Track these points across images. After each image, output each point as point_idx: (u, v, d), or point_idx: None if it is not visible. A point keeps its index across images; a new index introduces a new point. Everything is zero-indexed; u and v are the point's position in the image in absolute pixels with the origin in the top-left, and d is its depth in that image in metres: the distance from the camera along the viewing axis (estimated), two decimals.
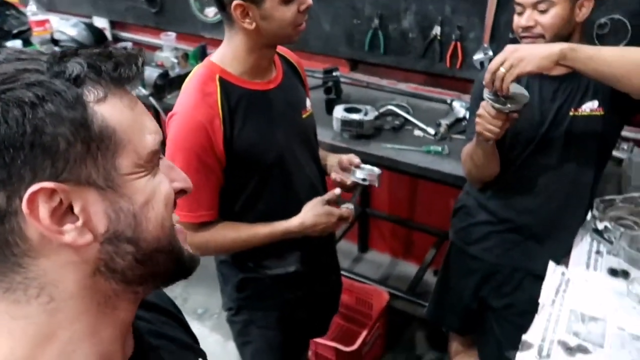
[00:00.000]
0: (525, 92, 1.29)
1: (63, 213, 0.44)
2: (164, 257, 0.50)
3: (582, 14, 1.30)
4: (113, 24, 3.23)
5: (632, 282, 1.27)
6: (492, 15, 1.99)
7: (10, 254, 0.43)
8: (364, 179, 1.34)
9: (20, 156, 0.41)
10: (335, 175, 1.35)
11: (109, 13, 3.15)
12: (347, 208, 1.32)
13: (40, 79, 0.43)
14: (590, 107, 1.36)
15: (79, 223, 0.44)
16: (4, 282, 0.45)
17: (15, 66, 0.43)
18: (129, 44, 3.01)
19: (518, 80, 1.35)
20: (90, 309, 0.48)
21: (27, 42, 3.00)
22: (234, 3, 1.08)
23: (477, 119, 1.32)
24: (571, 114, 1.38)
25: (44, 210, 0.42)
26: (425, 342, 2.37)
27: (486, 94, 1.28)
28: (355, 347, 1.94)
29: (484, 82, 1.27)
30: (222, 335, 2.41)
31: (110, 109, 0.46)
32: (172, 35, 2.75)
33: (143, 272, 0.49)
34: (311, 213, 1.25)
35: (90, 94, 0.45)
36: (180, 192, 0.54)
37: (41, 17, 3.06)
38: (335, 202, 1.29)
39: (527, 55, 1.18)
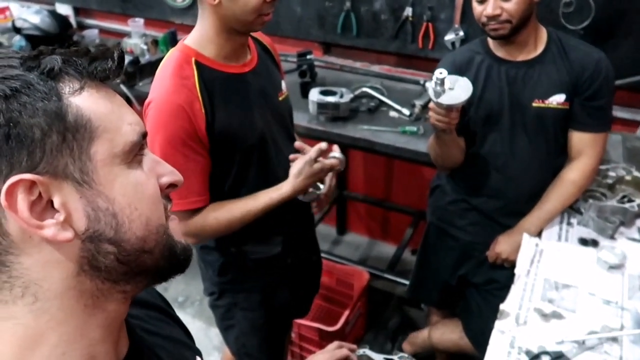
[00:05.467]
0: (469, 87, 1.30)
1: (43, 207, 0.43)
2: (150, 257, 0.49)
3: None
4: (77, 11, 3.13)
5: (600, 250, 1.34)
6: None
7: None
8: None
9: None
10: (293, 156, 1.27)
11: None
12: (336, 157, 1.25)
13: (14, 73, 0.43)
14: (557, 100, 1.40)
15: (60, 217, 0.43)
16: None
17: None
18: (94, 31, 2.92)
19: (477, 71, 1.41)
20: (77, 311, 0.47)
21: None
22: None
23: (429, 113, 1.35)
24: (535, 104, 1.41)
25: (22, 203, 0.41)
26: (404, 319, 2.42)
27: (430, 90, 1.30)
28: (338, 326, 1.97)
29: None
30: (204, 322, 2.42)
31: (85, 100, 0.46)
32: (140, 21, 2.68)
33: (128, 271, 0.48)
34: (301, 178, 1.20)
35: (66, 86, 0.45)
36: (170, 187, 0.53)
37: (0, 4, 2.94)
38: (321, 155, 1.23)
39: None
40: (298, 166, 1.21)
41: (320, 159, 1.22)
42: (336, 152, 1.27)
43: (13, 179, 0.41)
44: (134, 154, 0.48)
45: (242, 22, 1.13)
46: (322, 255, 1.70)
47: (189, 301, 2.57)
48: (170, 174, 0.53)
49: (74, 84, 0.45)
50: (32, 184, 0.42)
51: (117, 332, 0.52)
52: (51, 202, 0.43)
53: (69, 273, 0.45)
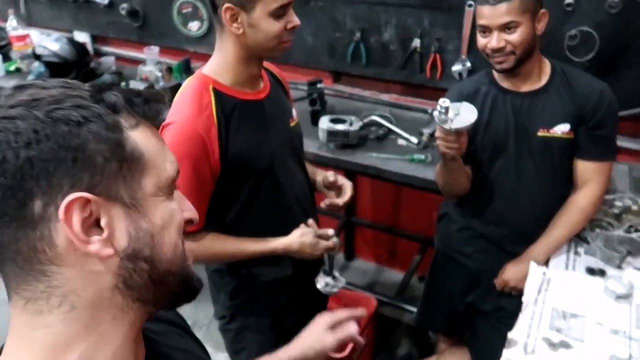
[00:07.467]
0: (474, 109, 1.34)
1: (91, 225, 0.48)
2: (174, 279, 0.54)
3: (541, 27, 1.39)
4: (94, 38, 3.22)
5: (608, 280, 1.34)
6: (468, 27, 2.06)
7: (37, 261, 0.47)
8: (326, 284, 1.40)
9: (62, 168, 0.46)
10: None
11: (90, 27, 3.14)
12: (333, 241, 1.36)
13: (85, 103, 0.48)
14: (562, 129, 1.44)
15: (104, 235, 0.48)
16: (27, 291, 0.48)
17: (62, 92, 0.49)
18: (111, 58, 3.01)
19: (483, 100, 1.45)
20: (106, 321, 0.51)
21: (6, 57, 2.98)
22: (224, 6, 1.12)
23: (437, 141, 1.38)
24: (541, 134, 1.44)
25: (76, 218, 0.46)
26: (412, 347, 2.40)
27: (436, 119, 1.33)
28: (345, 353, 1.96)
29: None
30: (212, 347, 2.39)
31: (140, 136, 0.51)
32: (156, 49, 2.76)
33: (155, 291, 0.53)
34: (299, 240, 1.29)
35: (126, 121, 0.51)
36: (187, 222, 0.58)
37: (21, 32, 3.04)
38: (325, 238, 1.34)
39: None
40: (304, 230, 1.32)
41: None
42: (335, 237, 1.37)
43: (73, 196, 0.46)
44: (172, 188, 0.54)
45: (265, 49, 1.19)
46: None
47: (197, 325, 2.57)
48: (191, 211, 0.58)
49: (131, 120, 0.51)
50: (87, 203, 0.47)
51: (137, 341, 0.56)
52: (97, 221, 0.48)
53: (105, 286, 0.50)
